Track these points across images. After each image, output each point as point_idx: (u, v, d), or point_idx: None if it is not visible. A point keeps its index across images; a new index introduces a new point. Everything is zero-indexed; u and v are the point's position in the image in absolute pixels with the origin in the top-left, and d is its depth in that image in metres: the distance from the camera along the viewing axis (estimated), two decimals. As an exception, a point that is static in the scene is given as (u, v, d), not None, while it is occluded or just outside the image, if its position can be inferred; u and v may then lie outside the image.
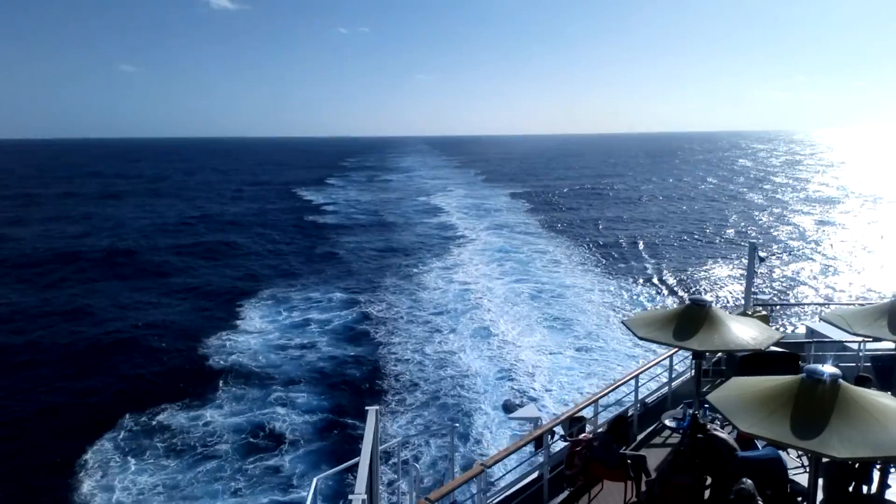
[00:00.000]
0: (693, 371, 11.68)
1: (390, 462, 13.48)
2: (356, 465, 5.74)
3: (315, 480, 6.41)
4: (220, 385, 23.37)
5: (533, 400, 20.59)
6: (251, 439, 19.43)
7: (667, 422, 10.48)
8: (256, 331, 29.67)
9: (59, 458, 18.54)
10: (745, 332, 9.14)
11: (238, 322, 31.06)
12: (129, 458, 18.33)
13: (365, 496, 5.06)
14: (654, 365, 12.59)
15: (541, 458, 9.54)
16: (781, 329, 20.56)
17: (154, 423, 20.44)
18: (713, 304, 9.51)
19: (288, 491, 16.80)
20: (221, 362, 25.51)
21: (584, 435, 9.97)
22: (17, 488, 17.33)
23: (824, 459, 6.48)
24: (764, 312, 15.82)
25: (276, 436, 19.61)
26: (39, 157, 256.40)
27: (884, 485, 8.72)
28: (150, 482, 17.06)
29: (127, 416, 20.78)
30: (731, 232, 57.58)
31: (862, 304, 12.69)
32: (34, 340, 29.20)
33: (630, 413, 11.52)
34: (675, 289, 37.45)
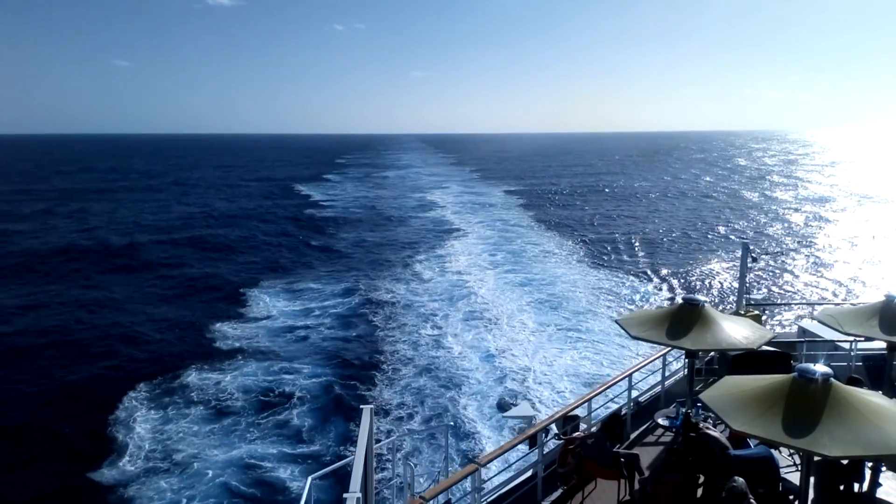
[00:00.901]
0: (686, 370, 11.73)
1: (385, 460, 13.49)
2: (351, 463, 5.75)
3: (309, 480, 6.41)
4: (231, 359, 25.53)
5: (527, 398, 20.65)
6: (262, 398, 22.03)
7: (660, 420, 10.52)
8: (262, 316, 31.49)
9: (95, 413, 21.05)
10: (738, 332, 9.18)
11: (243, 309, 32.76)
12: (153, 412, 21.09)
13: (359, 495, 5.07)
14: (648, 364, 12.63)
15: (535, 457, 9.57)
16: (774, 328, 20.68)
17: (173, 386, 22.98)
18: (706, 304, 9.54)
19: (297, 445, 18.61)
20: (231, 342, 27.43)
21: (577, 433, 10.01)
22: (64, 437, 20.10)
23: (816, 458, 6.53)
24: (756, 312, 15.88)
25: (285, 395, 22.18)
26: (34, 152, 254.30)
27: (875, 483, 8.78)
28: (174, 429, 19.82)
29: (146, 383, 23.19)
30: (724, 231, 57.79)
31: (854, 304, 12.76)
32: (55, 325, 30.72)
33: (623, 412, 11.56)
34: (669, 286, 37.60)
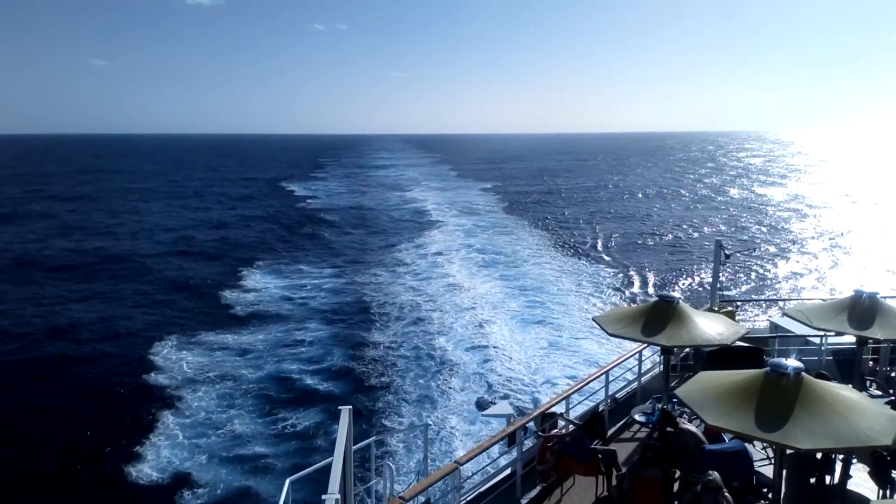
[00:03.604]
0: (662, 366, 11.83)
1: (364, 461, 13.40)
2: (329, 465, 5.69)
3: (287, 482, 6.34)
4: (243, 320, 30.13)
5: (505, 397, 20.67)
6: (279, 334, 27.73)
7: (636, 416, 10.59)
8: (262, 287, 36.62)
9: (135, 357, 25.63)
10: (712, 328, 9.30)
11: (244, 282, 37.63)
12: (182, 351, 26.06)
13: (338, 496, 5.02)
14: (624, 361, 12.71)
15: (514, 455, 9.57)
16: (747, 324, 20.95)
17: (194, 338, 27.52)
18: (681, 301, 9.64)
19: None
20: (239, 309, 32.03)
21: (555, 431, 10.04)
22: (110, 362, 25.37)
23: (788, 451, 6.63)
24: (730, 308, 16.08)
25: (297, 341, 27.14)
26: (8, 153, 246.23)
27: (846, 475, 8.94)
28: (202, 360, 24.94)
29: (173, 335, 27.89)
30: (698, 229, 58.55)
31: (824, 300, 12.97)
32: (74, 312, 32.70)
33: (601, 408, 11.63)
34: (644, 283, 38.00)
